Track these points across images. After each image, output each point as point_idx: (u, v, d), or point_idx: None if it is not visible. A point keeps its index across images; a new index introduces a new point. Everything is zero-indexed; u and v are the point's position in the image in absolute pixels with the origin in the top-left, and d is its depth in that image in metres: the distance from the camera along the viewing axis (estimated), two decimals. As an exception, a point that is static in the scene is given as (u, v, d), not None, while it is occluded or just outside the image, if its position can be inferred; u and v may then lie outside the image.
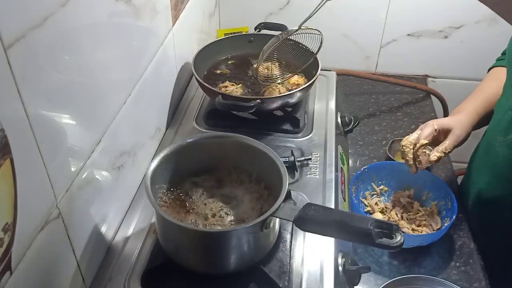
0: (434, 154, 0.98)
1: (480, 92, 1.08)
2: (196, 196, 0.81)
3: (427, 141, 0.99)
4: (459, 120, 1.01)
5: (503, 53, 1.13)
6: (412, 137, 1.01)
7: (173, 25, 1.07)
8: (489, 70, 1.13)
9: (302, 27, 1.04)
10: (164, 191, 0.80)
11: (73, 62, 0.64)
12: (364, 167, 1.10)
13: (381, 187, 1.11)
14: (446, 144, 0.98)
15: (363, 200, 1.09)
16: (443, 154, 0.98)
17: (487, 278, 0.95)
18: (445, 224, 0.99)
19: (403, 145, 1.01)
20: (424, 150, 0.99)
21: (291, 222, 0.68)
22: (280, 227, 0.80)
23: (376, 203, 1.08)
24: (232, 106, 0.99)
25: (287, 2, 1.49)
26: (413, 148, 1.00)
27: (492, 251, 1.02)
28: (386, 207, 1.08)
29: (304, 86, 1.04)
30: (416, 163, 1.00)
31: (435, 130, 0.99)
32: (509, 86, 0.97)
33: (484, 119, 1.05)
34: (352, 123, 1.18)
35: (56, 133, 0.62)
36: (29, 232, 0.57)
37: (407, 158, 1.01)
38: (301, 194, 0.90)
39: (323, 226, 0.65)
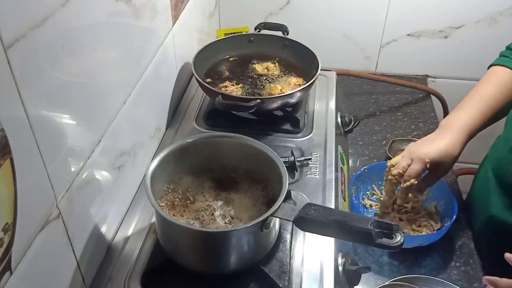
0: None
1: (477, 102, 0.96)
2: (196, 196, 0.81)
3: (416, 182, 0.91)
4: (449, 154, 0.90)
5: (508, 48, 1.03)
6: (402, 165, 0.92)
7: (173, 25, 1.07)
8: (489, 67, 1.04)
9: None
10: (164, 191, 0.80)
11: (73, 62, 0.64)
12: (364, 167, 1.10)
13: (381, 187, 1.11)
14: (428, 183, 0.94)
15: (363, 200, 1.09)
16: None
17: (487, 278, 0.95)
18: (445, 224, 0.99)
19: (390, 176, 0.95)
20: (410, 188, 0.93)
21: (291, 222, 0.67)
22: (280, 227, 0.80)
23: (376, 204, 1.08)
24: (232, 106, 0.99)
25: (287, 2, 1.49)
26: (390, 177, 0.95)
27: (492, 252, 1.02)
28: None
29: (304, 86, 1.04)
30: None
31: (427, 167, 0.90)
32: None
33: (480, 129, 0.96)
34: (352, 123, 1.18)
35: (56, 133, 0.62)
36: (29, 232, 0.57)
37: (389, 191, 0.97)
38: (301, 194, 0.90)
39: (323, 226, 0.65)
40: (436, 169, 0.91)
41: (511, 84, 0.97)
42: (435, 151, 0.90)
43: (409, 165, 0.92)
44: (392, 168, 0.95)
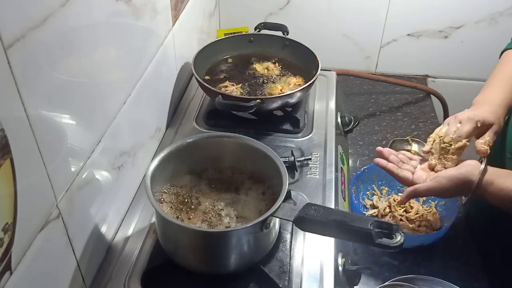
0: (481, 147, 0.86)
1: (503, 79, 0.95)
2: (196, 196, 0.81)
3: (468, 143, 0.86)
4: (497, 116, 0.88)
5: None
6: (452, 130, 0.88)
7: (173, 25, 1.07)
8: (501, 54, 1.05)
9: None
10: (164, 191, 0.80)
11: (73, 62, 0.64)
12: (364, 167, 1.09)
13: (381, 187, 1.11)
14: (487, 139, 0.86)
15: (363, 200, 1.09)
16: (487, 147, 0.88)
17: (487, 278, 0.95)
18: (445, 224, 0.99)
19: (443, 144, 0.89)
20: (453, 154, 0.88)
21: (291, 222, 0.68)
22: (280, 227, 0.80)
23: (376, 203, 1.08)
24: (232, 106, 0.99)
25: (287, 2, 1.49)
26: (442, 145, 0.89)
27: (492, 251, 1.02)
28: (386, 207, 1.08)
29: (304, 86, 1.04)
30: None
31: (478, 126, 0.86)
32: None
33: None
34: (352, 123, 1.18)
35: (56, 133, 0.62)
36: (29, 232, 0.57)
37: (433, 158, 0.90)
38: (301, 194, 0.90)
39: (323, 226, 0.65)
40: (483, 129, 0.88)
41: None
42: (484, 112, 0.88)
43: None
44: (441, 138, 0.90)
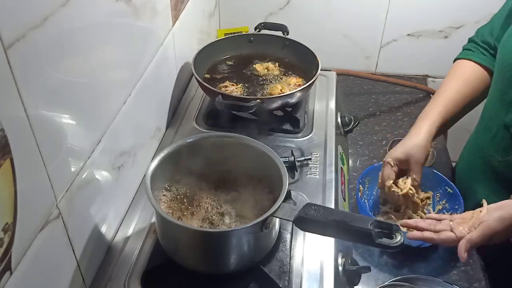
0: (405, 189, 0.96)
1: (445, 97, 1.03)
2: (196, 196, 0.81)
3: (392, 181, 0.97)
4: (415, 146, 0.97)
5: (471, 40, 1.10)
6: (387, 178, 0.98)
7: (173, 25, 1.07)
8: (454, 61, 1.12)
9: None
10: (164, 191, 0.80)
11: (73, 62, 0.65)
12: (369, 166, 1.08)
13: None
14: (412, 178, 0.97)
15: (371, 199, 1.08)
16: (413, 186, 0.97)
17: (487, 278, 0.95)
18: (446, 224, 0.99)
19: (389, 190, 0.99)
20: (393, 190, 0.97)
21: (291, 222, 0.68)
22: (280, 227, 0.80)
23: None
24: (232, 106, 0.99)
25: (287, 2, 1.49)
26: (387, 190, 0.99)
27: (492, 251, 1.02)
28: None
29: (304, 86, 1.04)
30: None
31: (393, 166, 0.97)
32: (498, 98, 0.95)
33: (449, 123, 1.04)
34: (352, 123, 1.18)
35: (56, 133, 0.62)
36: (29, 232, 0.57)
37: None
38: (301, 194, 0.90)
39: (323, 226, 0.65)
40: (408, 163, 0.97)
41: (475, 77, 1.04)
42: (399, 150, 0.98)
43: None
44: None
